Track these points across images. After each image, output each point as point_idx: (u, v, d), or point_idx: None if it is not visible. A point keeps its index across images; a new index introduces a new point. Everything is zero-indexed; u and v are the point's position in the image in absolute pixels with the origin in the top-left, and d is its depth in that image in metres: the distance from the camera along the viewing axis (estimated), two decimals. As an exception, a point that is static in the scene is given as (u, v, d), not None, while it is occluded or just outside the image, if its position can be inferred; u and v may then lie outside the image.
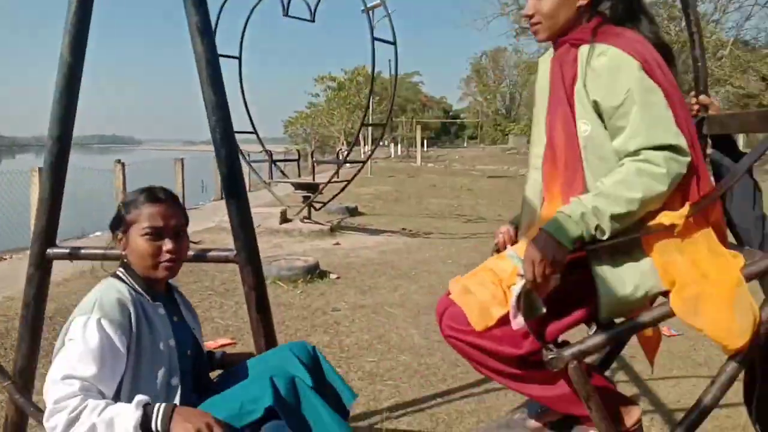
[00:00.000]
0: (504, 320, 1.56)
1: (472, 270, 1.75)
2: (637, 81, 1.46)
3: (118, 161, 11.20)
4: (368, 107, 11.15)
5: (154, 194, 1.71)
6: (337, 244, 8.47)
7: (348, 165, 10.53)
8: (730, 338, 1.43)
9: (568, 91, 1.58)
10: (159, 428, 1.39)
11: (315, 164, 10.82)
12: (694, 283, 1.44)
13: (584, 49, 1.56)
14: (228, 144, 2.13)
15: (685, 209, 1.46)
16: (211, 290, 5.60)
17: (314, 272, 6.13)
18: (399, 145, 40.55)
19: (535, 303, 1.51)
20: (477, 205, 14.11)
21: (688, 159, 1.44)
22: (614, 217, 1.42)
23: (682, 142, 1.44)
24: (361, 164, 10.43)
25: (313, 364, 1.77)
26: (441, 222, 11.29)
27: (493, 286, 1.62)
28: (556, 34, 1.64)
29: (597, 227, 1.43)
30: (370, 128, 25.43)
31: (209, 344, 4.16)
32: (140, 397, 1.43)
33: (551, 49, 1.74)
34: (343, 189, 10.06)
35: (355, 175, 9.98)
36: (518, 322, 1.50)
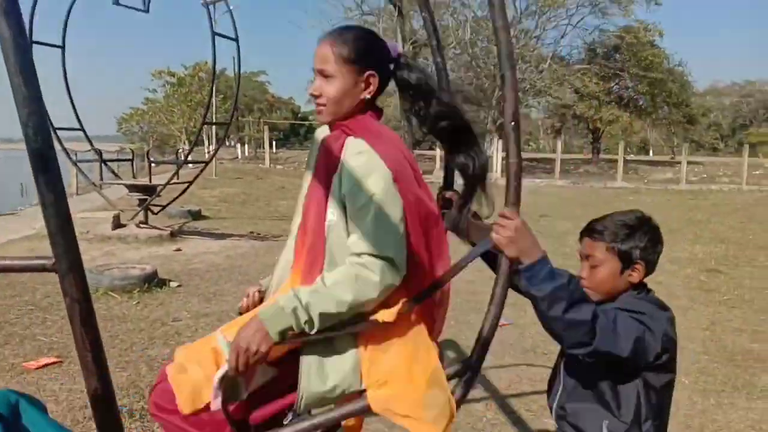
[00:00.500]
0: None
1: (200, 340, 1.70)
2: (382, 190, 1.50)
3: None
4: (209, 105, 10.65)
5: None
6: (179, 250, 8.02)
7: (190, 165, 10.03)
8: (423, 429, 1.51)
9: (329, 175, 1.60)
10: None
11: (153, 164, 10.11)
12: (389, 383, 1.53)
13: (350, 141, 1.58)
14: (42, 140, 1.91)
15: (399, 306, 1.53)
16: (31, 305, 5.01)
17: (152, 281, 5.74)
18: (246, 146, 39.42)
19: (237, 387, 1.51)
20: (325, 206, 14.17)
21: (403, 273, 1.51)
22: (323, 315, 1.46)
23: (401, 258, 1.51)
24: (204, 164, 9.99)
25: (14, 416, 1.56)
26: (290, 224, 11.17)
27: (210, 366, 1.56)
28: (337, 119, 1.65)
29: (306, 322, 1.46)
30: (214, 127, 24.45)
31: (30, 364, 3.72)
32: None
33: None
34: (184, 191, 9.56)
35: (198, 176, 9.53)
36: (216, 404, 1.49)
